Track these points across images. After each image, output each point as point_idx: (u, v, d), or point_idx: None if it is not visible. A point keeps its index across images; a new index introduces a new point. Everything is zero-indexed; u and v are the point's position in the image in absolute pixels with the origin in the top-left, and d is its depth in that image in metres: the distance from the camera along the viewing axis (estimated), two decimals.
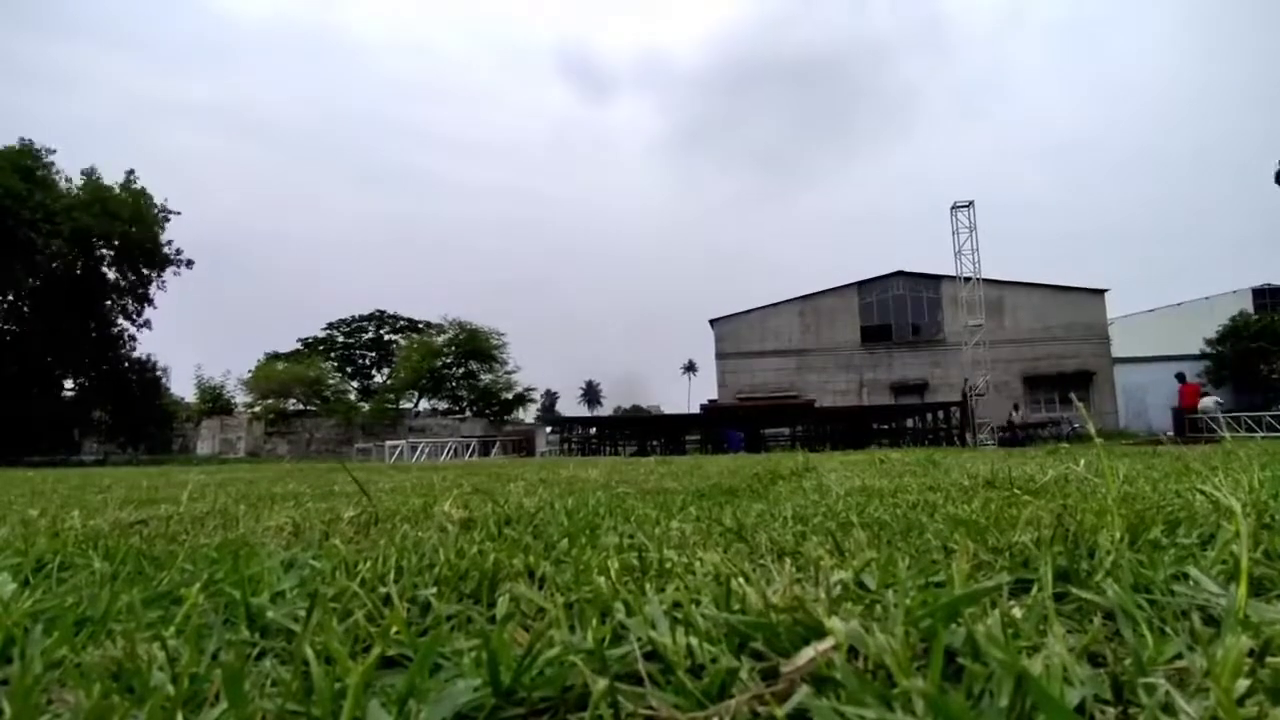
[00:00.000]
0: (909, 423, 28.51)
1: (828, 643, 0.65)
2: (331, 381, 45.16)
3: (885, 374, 36.26)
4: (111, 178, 32.38)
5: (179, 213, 34.32)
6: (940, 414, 26.86)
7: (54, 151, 31.36)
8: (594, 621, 0.81)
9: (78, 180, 31.89)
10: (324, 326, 53.16)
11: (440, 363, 44.10)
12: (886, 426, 28.36)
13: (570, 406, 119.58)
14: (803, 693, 0.60)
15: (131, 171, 33.06)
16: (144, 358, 34.84)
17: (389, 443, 28.78)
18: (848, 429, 27.06)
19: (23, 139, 30.69)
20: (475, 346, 44.36)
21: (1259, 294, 41.97)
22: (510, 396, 45.50)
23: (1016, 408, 27.54)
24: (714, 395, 38.44)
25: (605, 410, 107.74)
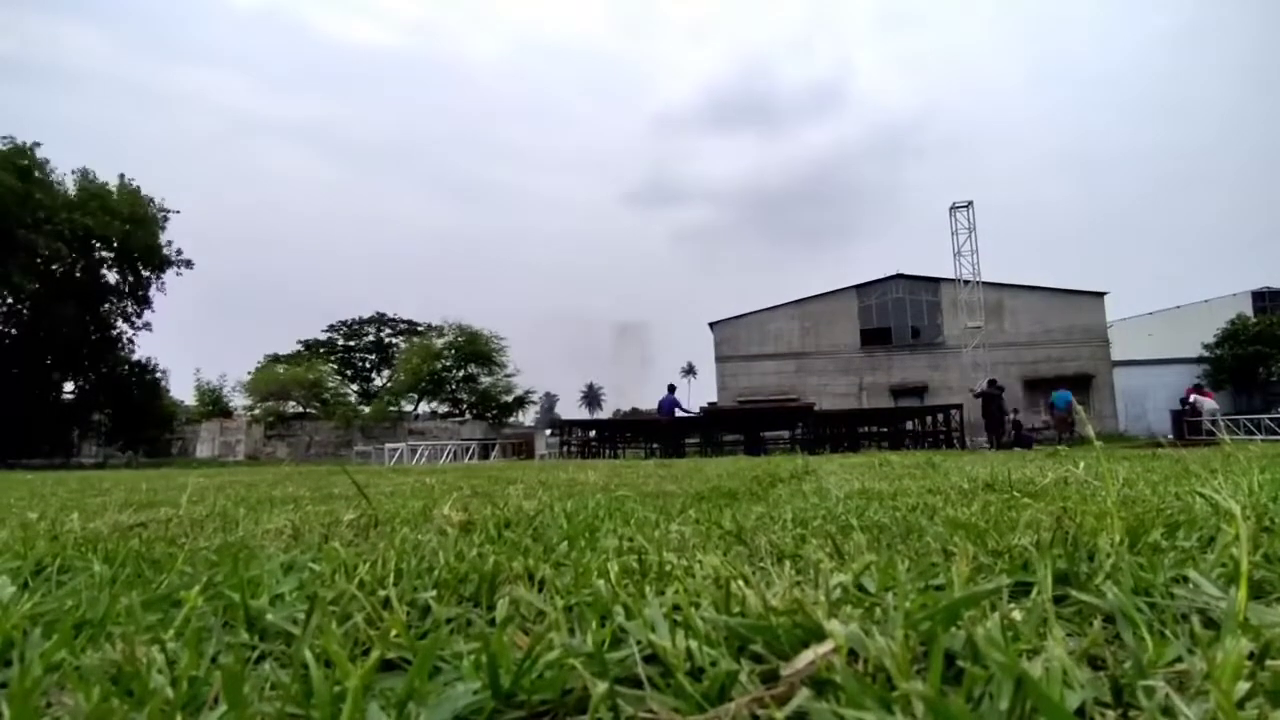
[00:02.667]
0: (908, 425, 28.49)
1: (827, 646, 0.65)
2: (331, 384, 45.13)
3: (885, 377, 36.27)
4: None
5: (178, 211, 34.28)
6: (940, 417, 26.82)
7: (40, 145, 30.93)
8: (594, 624, 0.81)
9: (71, 180, 31.72)
10: (324, 329, 53.18)
11: (440, 365, 44.08)
12: (885, 429, 28.32)
13: (570, 409, 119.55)
14: (802, 696, 0.60)
15: (122, 175, 33.00)
16: (144, 360, 34.85)
17: (388, 445, 28.73)
18: (847, 432, 27.00)
19: (10, 138, 30.28)
20: (475, 349, 44.35)
21: (1258, 297, 42.03)
22: (510, 399, 45.50)
23: (1015, 410, 27.33)
24: (714, 398, 38.44)
25: (605, 413, 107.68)
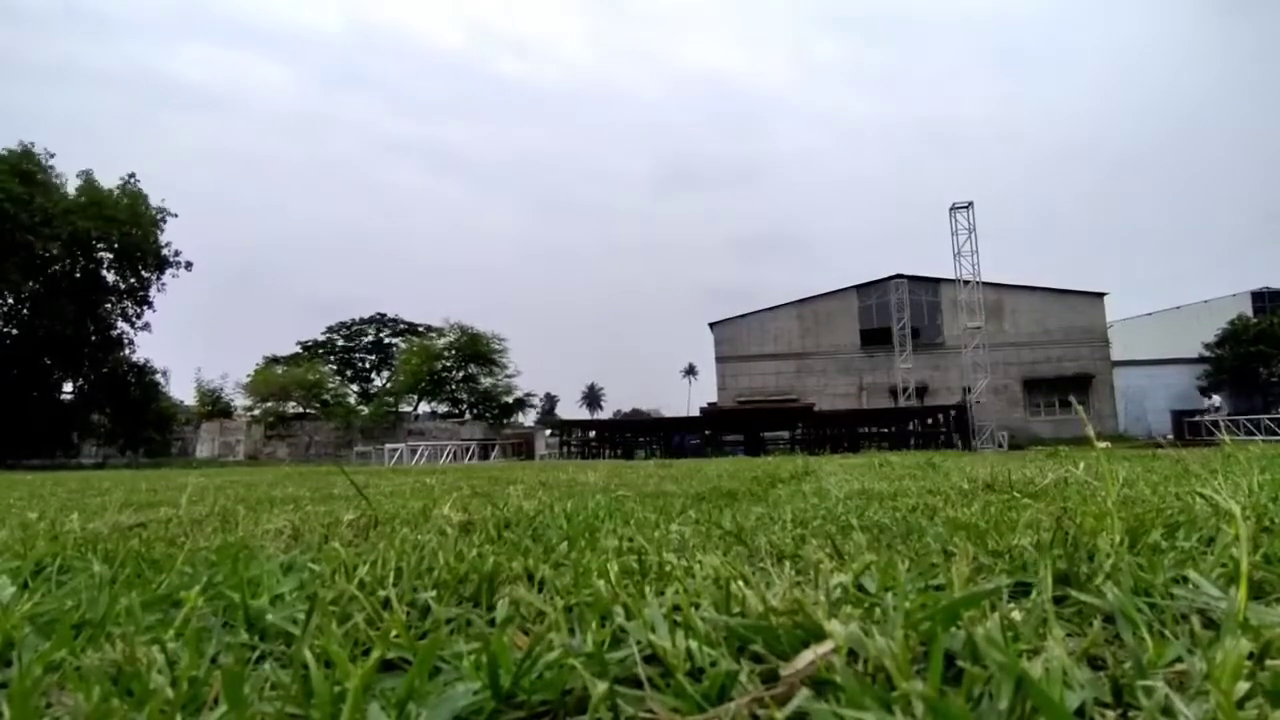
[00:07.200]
0: (909, 425, 28.53)
1: (827, 646, 0.65)
2: (331, 385, 45.16)
3: (884, 377, 36.27)
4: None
5: (176, 215, 34.46)
6: (940, 417, 26.87)
7: (53, 155, 31.37)
8: (594, 625, 0.81)
9: (74, 183, 31.92)
10: (324, 329, 53.22)
11: (440, 366, 44.10)
12: (886, 430, 28.37)
13: (571, 409, 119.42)
14: (802, 696, 0.60)
15: (132, 174, 33.18)
16: (143, 361, 34.94)
17: (388, 446, 28.75)
18: (847, 432, 27.05)
19: (22, 141, 30.62)
20: (475, 350, 44.36)
21: (1257, 297, 42.07)
22: (510, 400, 45.52)
23: None
24: (714, 398, 38.45)
25: (606, 413, 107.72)
